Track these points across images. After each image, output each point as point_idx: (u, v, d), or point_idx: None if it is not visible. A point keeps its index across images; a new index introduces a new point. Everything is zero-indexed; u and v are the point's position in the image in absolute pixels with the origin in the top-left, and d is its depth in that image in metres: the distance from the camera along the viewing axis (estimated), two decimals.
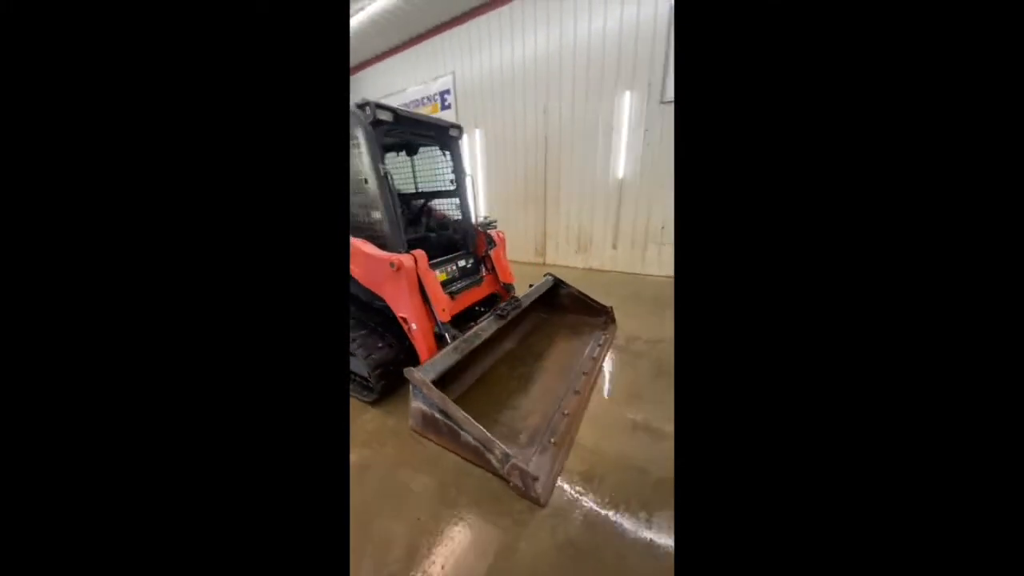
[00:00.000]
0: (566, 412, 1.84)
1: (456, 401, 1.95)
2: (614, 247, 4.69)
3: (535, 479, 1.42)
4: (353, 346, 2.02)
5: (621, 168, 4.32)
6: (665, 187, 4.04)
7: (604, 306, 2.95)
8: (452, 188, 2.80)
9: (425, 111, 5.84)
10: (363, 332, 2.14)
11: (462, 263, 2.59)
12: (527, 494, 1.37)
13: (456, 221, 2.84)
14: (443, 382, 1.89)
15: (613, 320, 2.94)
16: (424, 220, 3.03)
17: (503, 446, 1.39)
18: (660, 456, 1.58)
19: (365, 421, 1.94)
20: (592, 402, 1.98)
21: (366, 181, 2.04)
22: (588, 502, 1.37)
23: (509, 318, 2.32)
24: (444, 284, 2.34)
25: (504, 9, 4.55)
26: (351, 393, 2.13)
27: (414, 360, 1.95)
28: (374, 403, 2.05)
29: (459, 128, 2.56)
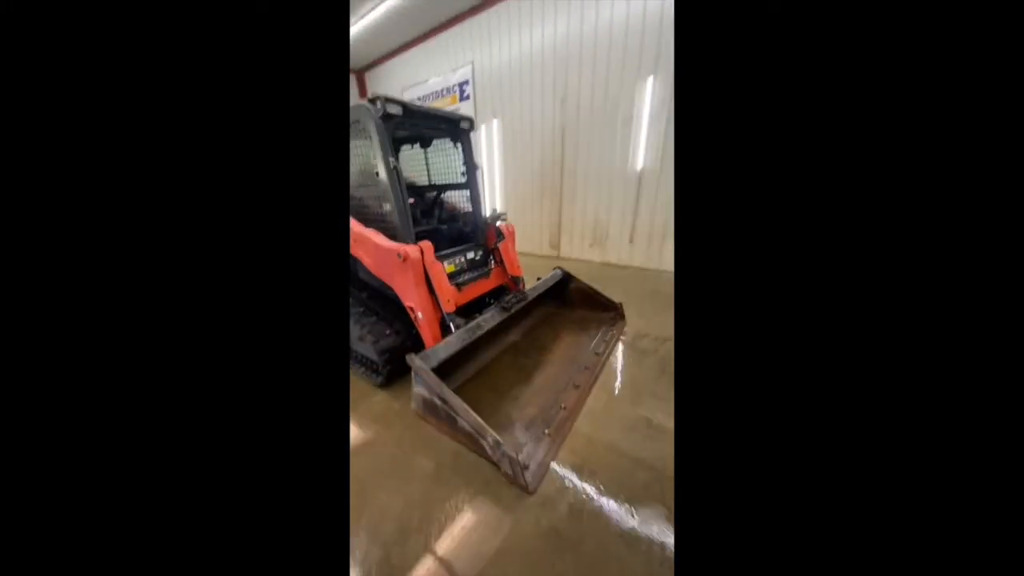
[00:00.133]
0: (563, 405, 1.86)
1: (458, 389, 2.03)
2: (631, 241, 4.56)
3: (525, 468, 1.46)
4: (363, 332, 2.13)
5: (640, 159, 4.15)
6: None
7: (613, 302, 2.90)
8: (463, 180, 2.83)
9: (445, 102, 5.87)
10: (373, 319, 2.25)
11: (471, 255, 2.63)
12: (516, 481, 1.42)
13: (466, 213, 2.87)
14: (445, 370, 1.96)
15: (622, 316, 2.89)
16: (436, 212, 3.09)
17: (494, 434, 1.43)
18: (653, 453, 1.57)
19: (373, 403, 2.06)
20: (592, 397, 1.98)
21: (377, 174, 2.11)
22: (576, 493, 1.39)
23: (512, 311, 2.34)
24: (452, 275, 2.40)
25: None
26: (362, 375, 2.26)
27: (421, 347, 2.03)
28: (382, 386, 2.17)
29: (469, 120, 2.57)
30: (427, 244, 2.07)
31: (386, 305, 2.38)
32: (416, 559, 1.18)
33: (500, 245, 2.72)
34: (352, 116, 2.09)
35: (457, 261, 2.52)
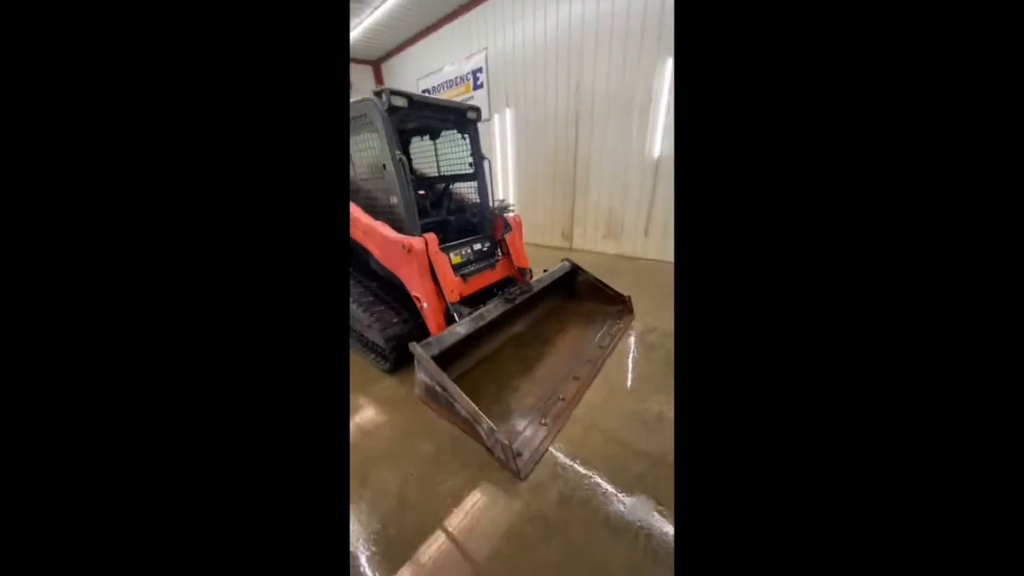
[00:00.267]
0: (562, 396, 1.88)
1: (460, 378, 2.10)
2: (646, 233, 4.42)
3: (518, 455, 1.51)
4: (372, 320, 2.23)
5: (658, 146, 3.98)
6: None
7: (621, 295, 2.85)
8: (471, 171, 2.84)
9: (459, 91, 5.84)
10: (381, 308, 2.35)
11: (477, 246, 2.66)
12: (508, 466, 1.47)
13: (474, 204, 2.89)
14: (448, 358, 2.03)
15: (631, 310, 2.84)
16: (445, 203, 3.13)
17: (488, 421, 1.48)
18: (648, 445, 1.57)
19: (381, 388, 2.17)
20: (592, 389, 1.99)
21: (384, 167, 2.17)
22: (567, 481, 1.43)
23: (516, 302, 2.37)
24: (458, 266, 2.44)
25: None
26: (372, 361, 2.38)
27: (427, 336, 2.11)
28: (390, 372, 2.27)
29: (476, 110, 2.56)
30: (431, 236, 2.12)
31: (394, 294, 2.47)
32: (411, 532, 1.27)
33: (507, 236, 2.73)
34: (360, 110, 2.13)
35: (464, 252, 2.55)
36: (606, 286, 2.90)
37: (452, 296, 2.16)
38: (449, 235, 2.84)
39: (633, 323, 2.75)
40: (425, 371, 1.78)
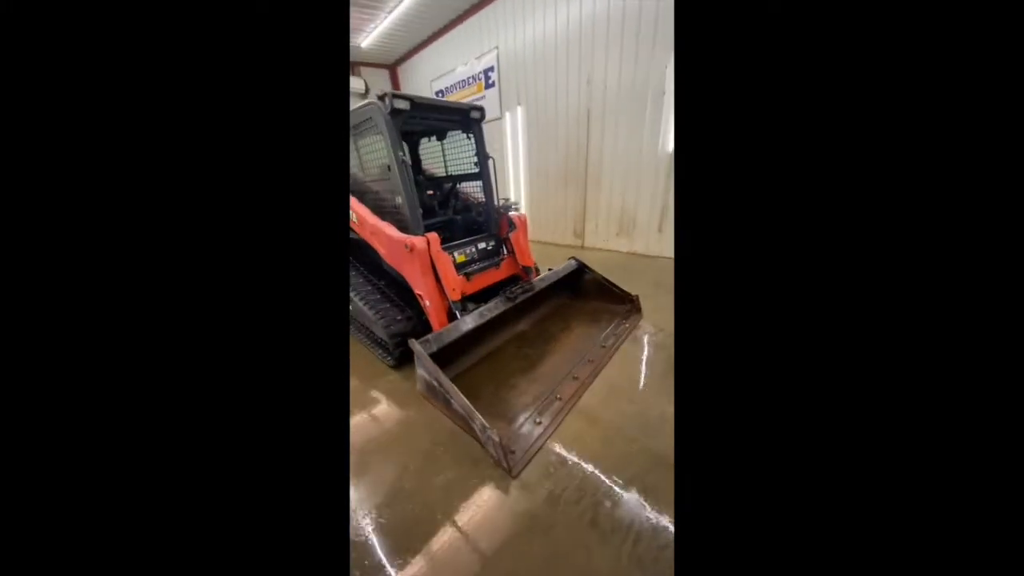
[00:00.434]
0: (559, 396, 1.87)
1: (460, 375, 2.13)
2: (660, 230, 4.28)
3: (511, 452, 1.52)
4: (377, 316, 2.31)
5: (672, 139, 3.83)
6: None
7: (629, 294, 2.78)
8: (477, 171, 2.86)
9: (471, 90, 5.88)
10: (387, 305, 2.42)
11: (482, 245, 2.68)
12: (500, 464, 1.48)
13: (479, 203, 2.91)
14: (449, 356, 2.07)
15: (638, 310, 2.77)
16: (451, 202, 3.17)
17: (482, 418, 1.50)
18: (644, 449, 1.53)
19: (386, 382, 2.24)
20: (591, 390, 1.96)
21: (389, 168, 2.23)
22: (557, 481, 1.42)
23: (517, 301, 2.37)
24: (462, 265, 2.48)
25: None
26: (378, 356, 2.46)
27: (430, 332, 2.16)
28: (395, 367, 2.34)
29: (480, 110, 2.57)
30: (433, 236, 2.16)
31: (401, 293, 2.54)
32: (401, 521, 1.31)
33: (511, 235, 2.73)
34: (365, 114, 2.20)
35: (468, 251, 2.58)
36: (613, 285, 2.84)
37: (454, 294, 2.19)
38: (456, 234, 2.88)
39: (641, 323, 2.68)
40: (424, 367, 1.83)
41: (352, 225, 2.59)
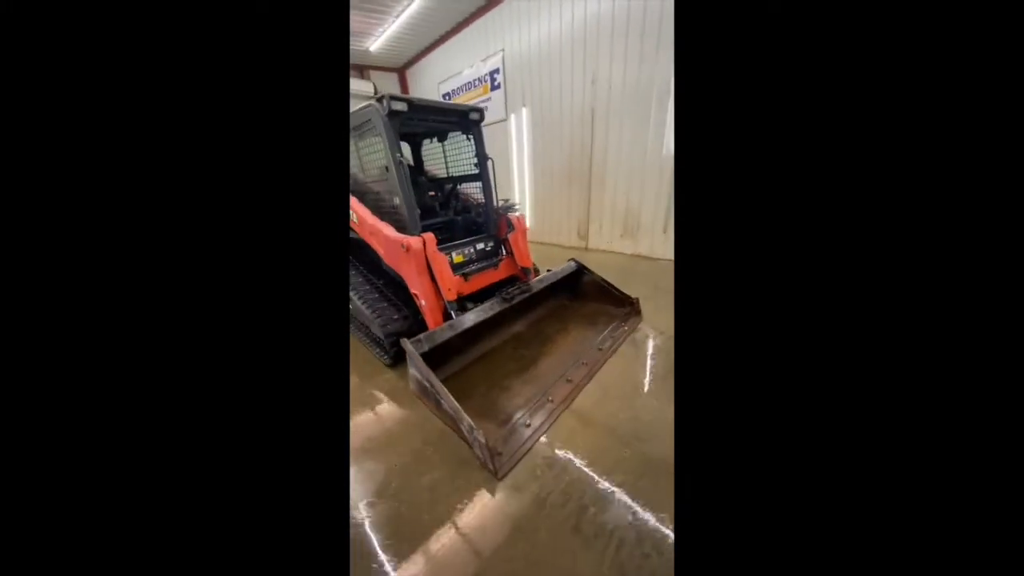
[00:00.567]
0: (551, 399, 1.85)
1: (454, 375, 2.13)
2: (664, 232, 4.21)
3: (498, 454, 1.51)
4: (374, 315, 2.34)
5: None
6: None
7: (628, 296, 2.74)
8: (476, 172, 2.87)
9: (476, 92, 5.91)
10: (384, 304, 2.45)
11: (480, 245, 2.69)
12: (486, 465, 1.47)
13: (479, 204, 2.92)
14: (442, 356, 2.07)
15: (638, 312, 2.73)
16: (452, 203, 3.19)
17: (469, 419, 1.49)
18: (633, 455, 1.50)
19: (381, 380, 2.26)
20: (586, 392, 1.93)
21: (387, 169, 2.26)
22: (543, 484, 1.40)
23: (513, 302, 2.36)
24: (459, 265, 2.49)
25: None
26: (376, 354, 2.49)
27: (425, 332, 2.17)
28: (391, 366, 2.36)
29: (479, 112, 2.58)
30: (429, 236, 2.17)
31: (399, 292, 2.56)
32: (384, 521, 1.31)
33: (510, 236, 2.73)
34: (365, 116, 2.24)
35: (466, 251, 2.59)
36: (612, 287, 2.80)
37: (449, 295, 2.20)
38: (456, 234, 2.89)
39: (640, 326, 2.63)
40: (415, 367, 1.84)
41: (352, 225, 2.63)
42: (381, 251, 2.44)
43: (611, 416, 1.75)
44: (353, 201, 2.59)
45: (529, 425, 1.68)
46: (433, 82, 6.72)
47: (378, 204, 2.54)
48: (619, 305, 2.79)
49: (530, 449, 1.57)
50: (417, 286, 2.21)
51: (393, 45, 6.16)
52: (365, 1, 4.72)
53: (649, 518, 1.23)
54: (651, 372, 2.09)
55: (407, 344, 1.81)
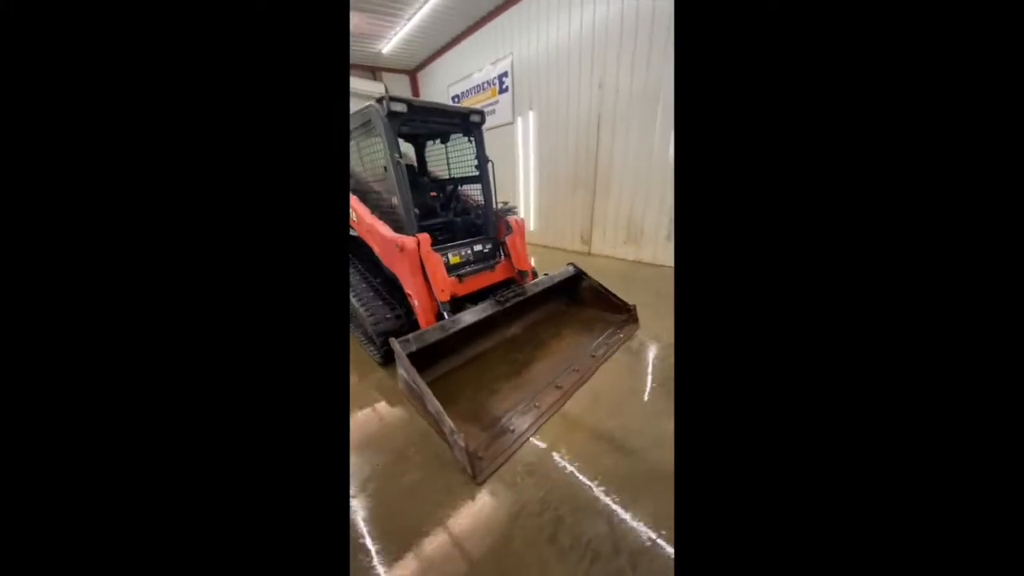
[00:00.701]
0: (538, 404, 1.82)
1: (443, 376, 2.13)
2: (668, 238, 4.14)
3: (479, 458, 1.49)
4: (367, 313, 2.35)
5: None
6: None
7: (626, 303, 2.70)
8: (477, 174, 2.87)
9: (485, 95, 5.95)
10: (379, 303, 2.46)
11: (478, 247, 2.68)
12: (465, 469, 1.45)
13: (479, 206, 2.92)
14: (432, 356, 2.07)
15: (635, 320, 2.68)
16: (452, 204, 3.20)
17: (451, 422, 1.48)
18: (613, 469, 1.46)
19: (373, 378, 2.27)
20: (575, 399, 1.90)
21: (386, 169, 2.28)
22: (522, 491, 1.38)
23: (507, 305, 2.35)
24: (456, 267, 2.49)
25: None
26: (370, 353, 2.50)
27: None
28: (382, 365, 2.37)
29: (480, 114, 2.58)
30: (424, 236, 2.18)
31: (394, 291, 2.57)
32: (359, 520, 1.31)
33: (508, 239, 2.72)
34: (365, 116, 2.27)
35: (463, 253, 2.59)
36: (610, 293, 2.76)
37: (442, 295, 2.20)
38: (456, 235, 2.90)
39: (637, 334, 2.59)
40: (401, 367, 1.84)
41: (353, 224, 2.66)
42: (377, 250, 2.46)
43: (598, 425, 1.72)
44: (353, 200, 2.62)
45: (513, 431, 1.66)
46: (443, 84, 6.79)
47: (378, 203, 2.56)
48: (616, 311, 2.75)
49: (512, 455, 1.55)
50: (411, 286, 2.22)
51: (405, 48, 6.26)
52: (378, 4, 4.81)
53: (627, 531, 1.20)
54: (643, 382, 2.05)
55: (395, 344, 1.81)
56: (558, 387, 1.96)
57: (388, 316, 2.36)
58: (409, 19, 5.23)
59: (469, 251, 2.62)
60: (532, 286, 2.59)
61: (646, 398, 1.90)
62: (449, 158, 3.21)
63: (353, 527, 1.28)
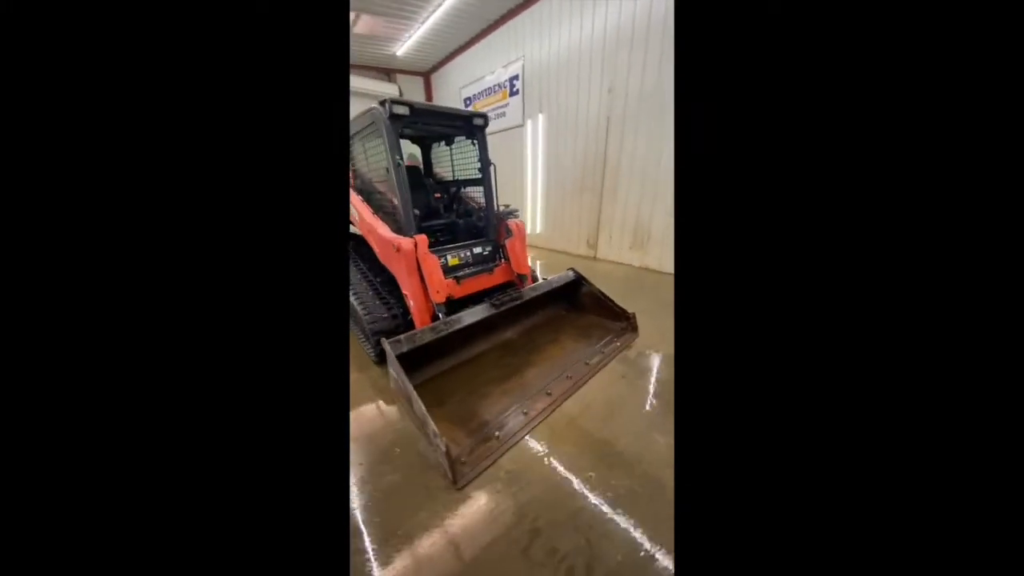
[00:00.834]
0: (526, 411, 1.80)
1: (433, 378, 2.13)
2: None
3: (461, 463, 1.48)
4: (364, 311, 2.38)
5: None
6: None
7: (626, 311, 2.65)
8: (480, 176, 2.88)
9: (496, 98, 5.98)
10: (377, 302, 2.49)
11: (478, 250, 2.68)
12: (446, 473, 1.45)
13: (480, 208, 2.93)
14: (424, 358, 2.08)
15: (634, 329, 2.63)
16: (455, 206, 3.22)
17: (434, 425, 1.48)
18: (594, 482, 1.42)
19: (368, 376, 2.30)
20: (564, 408, 1.87)
21: (388, 171, 2.31)
22: (501, 500, 1.36)
23: (502, 308, 2.34)
24: (454, 268, 2.49)
25: None
26: (363, 348, 2.53)
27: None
28: (378, 363, 2.40)
29: (483, 116, 2.59)
30: (422, 237, 2.19)
31: (393, 291, 2.60)
32: None
33: (507, 242, 2.71)
34: (370, 119, 2.31)
35: (462, 255, 2.59)
36: (610, 300, 2.72)
37: (437, 297, 2.21)
38: (458, 236, 2.91)
39: (635, 343, 2.53)
40: (391, 367, 1.85)
41: (356, 223, 2.71)
42: (377, 249, 2.49)
43: (584, 436, 1.68)
44: (357, 199, 2.67)
45: (499, 436, 1.64)
46: (456, 87, 6.86)
47: (381, 204, 2.60)
48: (615, 319, 2.70)
49: (495, 461, 1.54)
50: (407, 286, 2.24)
51: (419, 50, 6.35)
52: (393, 7, 4.90)
53: (604, 550, 1.17)
54: (636, 393, 2.00)
55: (386, 344, 1.83)
56: (548, 394, 1.93)
57: (385, 316, 2.38)
58: (423, 22, 5.31)
59: (468, 253, 2.63)
60: (530, 290, 2.58)
61: (637, 411, 1.85)
62: (453, 160, 3.23)
63: None
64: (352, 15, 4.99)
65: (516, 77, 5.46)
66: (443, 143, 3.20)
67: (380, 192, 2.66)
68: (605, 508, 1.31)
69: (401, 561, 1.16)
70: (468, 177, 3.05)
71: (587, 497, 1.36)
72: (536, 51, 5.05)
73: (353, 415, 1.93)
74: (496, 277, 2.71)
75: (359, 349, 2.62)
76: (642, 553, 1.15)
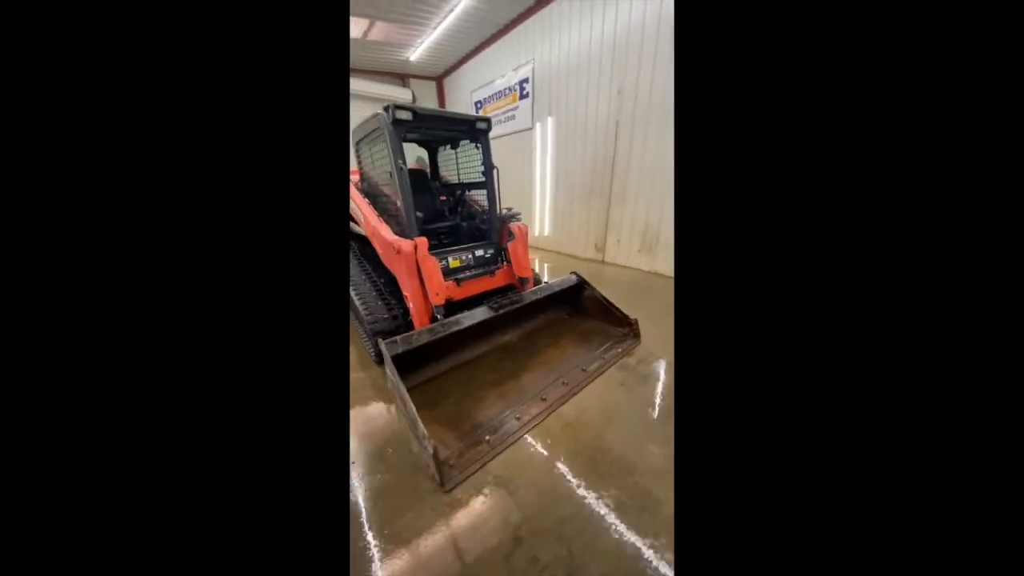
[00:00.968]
0: (518, 416, 1.79)
1: (428, 380, 2.15)
2: None
3: (450, 467, 1.49)
4: (366, 311, 2.43)
5: None
6: None
7: (628, 317, 2.60)
8: (483, 179, 2.90)
9: (506, 101, 6.01)
10: (379, 302, 2.54)
11: (480, 252, 2.70)
12: (434, 476, 1.45)
13: (483, 211, 2.94)
14: (421, 359, 2.10)
15: (636, 335, 2.57)
16: (459, 209, 3.25)
17: (423, 427, 1.49)
18: (587, 493, 1.40)
19: (367, 375, 2.34)
20: (558, 414, 1.85)
21: (391, 175, 2.35)
22: (488, 504, 1.35)
23: (501, 311, 2.34)
24: (455, 271, 2.51)
25: None
26: (365, 347, 2.58)
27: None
28: (379, 363, 2.44)
29: (486, 121, 2.61)
30: (422, 240, 2.22)
31: (396, 292, 2.64)
32: None
33: (509, 245, 2.71)
34: (375, 124, 2.36)
35: (464, 257, 2.61)
36: (612, 305, 2.67)
37: (436, 299, 2.23)
38: (461, 239, 2.93)
39: (636, 350, 2.48)
40: (387, 367, 1.88)
41: (362, 225, 2.77)
42: (379, 251, 2.54)
43: (578, 443, 1.66)
44: (363, 202, 2.73)
45: (490, 440, 1.64)
46: (467, 91, 6.94)
47: (386, 206, 2.65)
48: (618, 325, 2.66)
49: (484, 466, 1.53)
50: (407, 288, 2.27)
51: (431, 55, 6.46)
52: (406, 13, 5.01)
53: (585, 562, 1.14)
54: (634, 403, 1.95)
55: (382, 344, 1.86)
56: (543, 400, 1.92)
57: (385, 316, 2.42)
58: (435, 27, 5.40)
59: (470, 256, 2.64)
60: (530, 294, 2.57)
61: (634, 419, 1.81)
62: (459, 164, 3.27)
63: None
64: (366, 22, 5.13)
65: (526, 80, 5.48)
66: (449, 147, 3.25)
67: (385, 195, 2.71)
68: (592, 519, 1.28)
69: (377, 558, 1.17)
70: (472, 180, 3.07)
71: (574, 506, 1.34)
72: (546, 54, 5.06)
73: (351, 414, 1.96)
74: (497, 280, 2.71)
75: (362, 348, 2.67)
76: (626, 568, 1.12)
